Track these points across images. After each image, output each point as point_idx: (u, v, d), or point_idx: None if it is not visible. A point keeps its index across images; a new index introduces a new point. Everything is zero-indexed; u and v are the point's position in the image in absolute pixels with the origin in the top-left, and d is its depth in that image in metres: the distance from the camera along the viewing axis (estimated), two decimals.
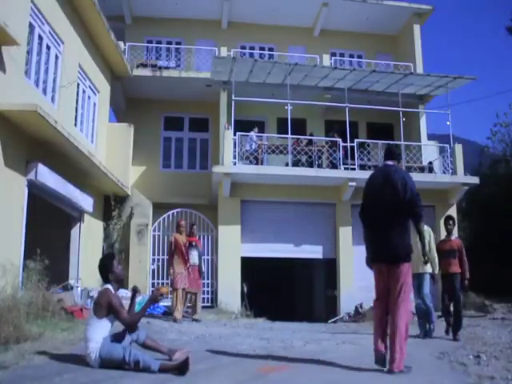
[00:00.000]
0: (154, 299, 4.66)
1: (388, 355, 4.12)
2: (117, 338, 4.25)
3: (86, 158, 9.37)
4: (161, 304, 10.24)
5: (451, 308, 7.38)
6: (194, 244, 9.67)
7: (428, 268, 7.16)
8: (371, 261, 4.37)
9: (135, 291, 4.64)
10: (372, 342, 4.27)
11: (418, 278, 7.13)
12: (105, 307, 4.15)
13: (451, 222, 7.71)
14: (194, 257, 9.52)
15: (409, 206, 4.17)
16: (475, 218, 16.45)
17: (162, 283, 12.55)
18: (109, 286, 4.30)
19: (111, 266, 4.37)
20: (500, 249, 14.13)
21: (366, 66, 15.69)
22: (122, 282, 4.55)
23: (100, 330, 4.13)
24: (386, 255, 4.22)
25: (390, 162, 4.55)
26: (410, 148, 13.50)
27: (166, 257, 12.73)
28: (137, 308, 4.68)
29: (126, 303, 4.64)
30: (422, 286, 7.25)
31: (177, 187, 14.34)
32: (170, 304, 10.28)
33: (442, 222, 8.41)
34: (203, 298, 11.47)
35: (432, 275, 7.28)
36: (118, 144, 12.93)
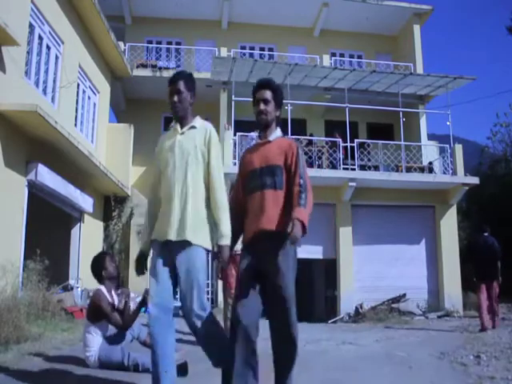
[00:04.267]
0: (144, 303, 4.17)
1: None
2: (116, 338, 4.23)
3: (86, 158, 9.37)
4: None
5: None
6: None
7: (201, 235, 2.85)
8: (481, 280, 8.31)
9: (145, 298, 4.36)
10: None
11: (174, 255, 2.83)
12: (97, 311, 4.10)
13: (265, 93, 2.99)
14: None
15: (497, 255, 8.20)
16: (475, 218, 16.44)
17: None
18: (101, 288, 4.23)
19: (103, 262, 4.30)
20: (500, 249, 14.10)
21: (366, 66, 15.70)
22: (116, 280, 4.47)
23: (97, 333, 4.10)
24: (488, 277, 8.30)
25: (486, 234, 8.44)
26: (409, 148, 13.47)
27: None
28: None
29: (135, 304, 4.51)
30: (191, 278, 2.77)
31: None
32: None
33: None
34: None
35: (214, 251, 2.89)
36: (118, 144, 12.93)
